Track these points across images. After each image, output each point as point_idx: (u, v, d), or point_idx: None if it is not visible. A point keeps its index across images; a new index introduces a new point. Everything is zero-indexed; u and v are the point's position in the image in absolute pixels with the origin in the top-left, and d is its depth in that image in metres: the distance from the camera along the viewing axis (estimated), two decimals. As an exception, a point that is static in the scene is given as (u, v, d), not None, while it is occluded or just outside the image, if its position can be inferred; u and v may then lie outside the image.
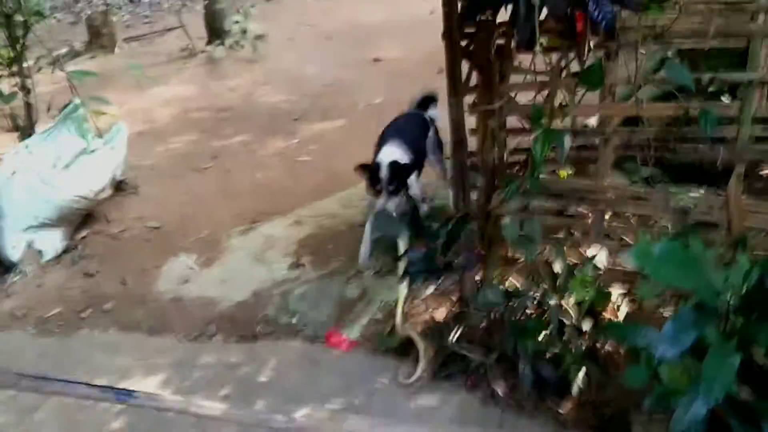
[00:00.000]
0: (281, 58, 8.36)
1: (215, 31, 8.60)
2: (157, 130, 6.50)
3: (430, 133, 4.48)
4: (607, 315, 3.30)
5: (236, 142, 6.23)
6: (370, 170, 4.00)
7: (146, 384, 3.26)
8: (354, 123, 6.40)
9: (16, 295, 4.24)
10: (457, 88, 3.07)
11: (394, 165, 3.94)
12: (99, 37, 9.04)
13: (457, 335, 3.20)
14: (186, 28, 8.63)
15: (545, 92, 3.10)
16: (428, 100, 4.76)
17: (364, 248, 4.17)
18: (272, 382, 3.23)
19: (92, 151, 4.84)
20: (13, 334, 3.86)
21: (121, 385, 3.27)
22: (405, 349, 3.37)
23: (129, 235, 4.80)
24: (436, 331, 3.47)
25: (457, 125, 3.12)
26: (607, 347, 3.21)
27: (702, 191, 3.01)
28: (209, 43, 8.62)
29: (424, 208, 4.26)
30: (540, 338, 3.05)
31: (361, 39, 8.88)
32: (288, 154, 5.90)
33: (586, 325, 3.15)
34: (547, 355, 3.02)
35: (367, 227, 4.18)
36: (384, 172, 3.92)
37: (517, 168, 3.31)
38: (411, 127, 4.49)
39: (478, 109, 3.16)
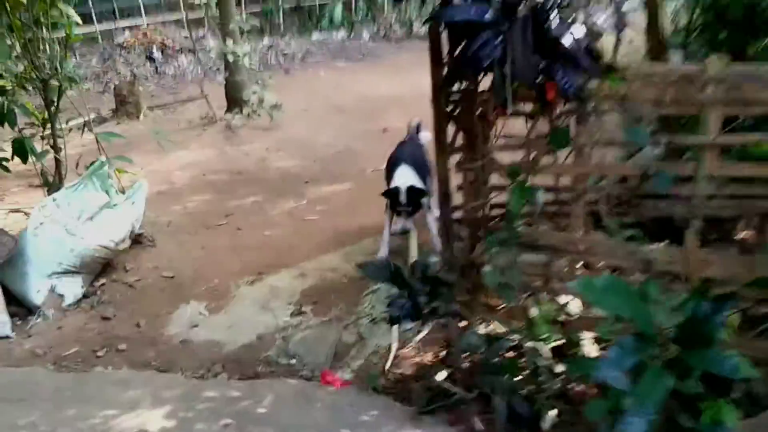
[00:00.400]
0: (295, 127, 8.83)
1: (234, 101, 9.11)
2: (175, 191, 6.90)
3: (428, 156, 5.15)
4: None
5: (249, 202, 6.61)
6: (390, 195, 4.90)
7: (153, 414, 3.53)
8: (361, 186, 6.79)
9: (38, 335, 4.54)
10: (443, 148, 3.42)
11: (410, 189, 4.84)
12: (125, 105, 9.57)
13: (443, 375, 3.46)
14: (208, 98, 9.13)
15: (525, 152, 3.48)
16: (420, 126, 5.76)
17: (383, 248, 5.15)
18: (269, 414, 3.48)
19: (114, 205, 5.21)
20: (33, 370, 4.14)
21: (129, 415, 3.54)
22: (393, 388, 3.66)
23: (144, 283, 5.13)
24: (425, 371, 3.76)
25: (444, 181, 3.46)
26: (580, 387, 3.48)
27: (663, 245, 3.28)
28: (228, 111, 9.11)
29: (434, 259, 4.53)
30: (516, 378, 3.32)
31: (370, 111, 9.35)
32: (296, 214, 6.26)
33: (560, 368, 3.42)
34: (522, 393, 3.29)
35: (385, 233, 5.13)
36: (403, 197, 4.81)
37: (497, 220, 3.63)
38: (417, 152, 5.39)
39: (463, 167, 3.51)
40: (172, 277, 5.20)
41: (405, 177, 4.97)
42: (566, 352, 3.54)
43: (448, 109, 3.44)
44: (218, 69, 10.81)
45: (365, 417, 3.41)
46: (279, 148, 8.15)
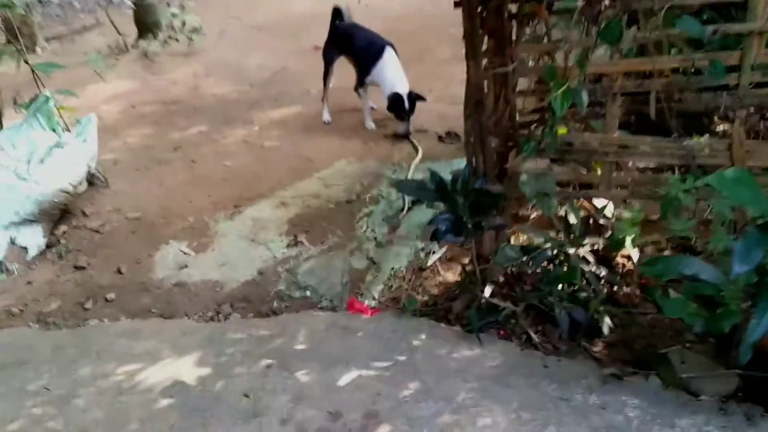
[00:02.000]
0: (218, 51, 8.28)
1: (146, 26, 8.40)
2: (108, 126, 6.29)
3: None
4: (620, 260, 3.53)
5: (194, 132, 6.16)
6: (394, 101, 5.58)
7: (181, 363, 3.23)
8: (311, 108, 6.50)
9: (7, 293, 4.07)
10: (476, 52, 3.19)
11: (411, 95, 5.58)
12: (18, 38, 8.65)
13: (489, 291, 3.33)
14: (115, 25, 8.37)
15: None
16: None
17: (369, 121, 6.00)
18: (311, 350, 3.25)
19: (65, 144, 4.69)
20: (19, 331, 3.72)
21: (155, 368, 3.23)
22: (429, 309, 3.51)
23: (111, 227, 4.69)
24: (454, 290, 3.62)
25: (478, 88, 3.25)
26: (624, 290, 3.44)
27: (706, 137, 3.23)
28: (140, 38, 8.41)
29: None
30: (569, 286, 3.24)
31: (294, 29, 8.88)
32: (252, 142, 5.89)
33: (602, 272, 3.36)
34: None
35: (366, 106, 6.02)
36: (407, 104, 5.55)
37: (531, 128, 3.46)
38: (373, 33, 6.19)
39: (492, 72, 3.31)
40: (138, 218, 4.77)
41: (401, 80, 5.68)
42: (608, 256, 3.49)
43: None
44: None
45: (415, 342, 3.25)
46: (208, 73, 7.62)
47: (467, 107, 3.47)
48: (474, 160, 3.40)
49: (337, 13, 6.36)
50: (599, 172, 3.52)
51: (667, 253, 3.63)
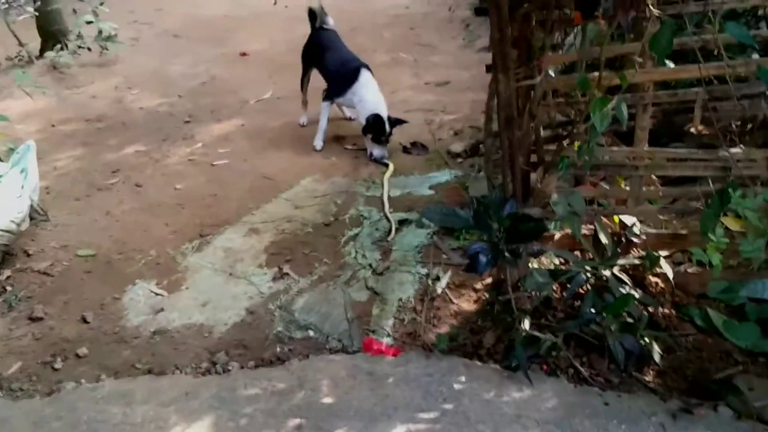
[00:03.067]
0: (136, 60, 7.68)
1: (51, 35, 7.66)
2: (29, 149, 5.68)
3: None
4: (652, 279, 3.37)
5: (130, 152, 5.62)
6: (373, 125, 5.19)
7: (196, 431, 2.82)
8: (253, 120, 6.13)
9: (-46, 354, 3.51)
10: (506, 64, 2.93)
11: (389, 118, 5.25)
12: None
13: (527, 323, 3.08)
14: (15, 34, 7.57)
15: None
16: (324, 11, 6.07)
17: (320, 136, 5.54)
18: (341, 403, 2.90)
19: (0, 176, 4.12)
20: (-21, 402, 3.18)
21: (166, 438, 2.81)
22: (469, 344, 3.23)
23: (61, 267, 4.13)
24: (492, 317, 3.35)
25: (508, 102, 2.99)
26: (662, 311, 3.28)
27: (741, 148, 3.09)
28: (45, 48, 7.66)
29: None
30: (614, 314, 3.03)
31: (213, 35, 8.43)
32: (199, 161, 5.43)
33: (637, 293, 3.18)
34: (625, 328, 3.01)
35: (323, 122, 5.56)
36: (387, 127, 5.21)
37: (561, 143, 3.24)
38: (343, 47, 5.87)
39: (517, 84, 3.06)
40: (93, 255, 4.24)
41: (380, 102, 5.34)
42: (640, 276, 3.32)
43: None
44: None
45: (456, 385, 2.96)
46: (130, 85, 7.02)
47: (488, 122, 3.24)
48: (503, 180, 3.14)
49: (311, 14, 5.98)
50: (623, 186, 3.36)
51: (690, 269, 3.49)
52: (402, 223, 4.30)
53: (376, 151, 5.25)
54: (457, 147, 5.21)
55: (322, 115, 5.58)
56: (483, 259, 2.89)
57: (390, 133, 5.26)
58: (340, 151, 5.42)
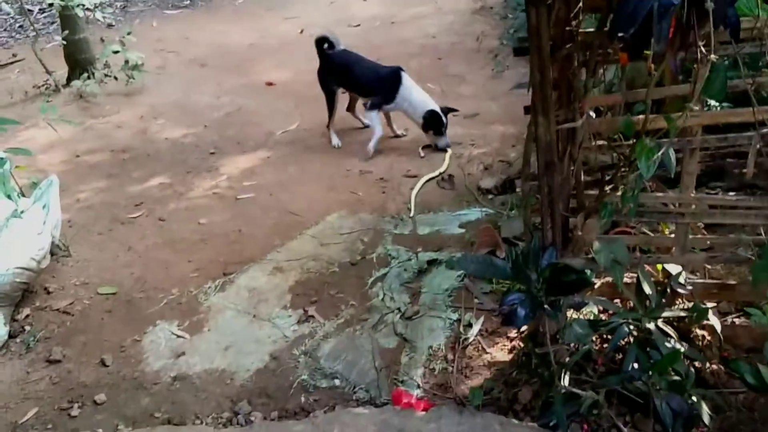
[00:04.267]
0: (162, 89, 7.62)
1: (79, 63, 7.65)
2: (52, 180, 5.62)
3: None
4: (699, 332, 3.19)
5: (155, 185, 5.53)
6: (432, 118, 5.63)
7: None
8: (280, 152, 5.98)
9: (-33, 400, 3.41)
10: (546, 106, 2.78)
11: (442, 109, 5.69)
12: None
13: (567, 380, 2.91)
14: (43, 62, 7.56)
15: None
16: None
17: (374, 143, 5.79)
18: (369, 461, 2.76)
19: (22, 212, 4.03)
20: (-7, 453, 3.07)
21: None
22: (504, 399, 3.06)
23: (81, 306, 4.04)
24: (528, 370, 3.18)
25: (548, 147, 2.84)
26: (711, 366, 3.09)
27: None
28: (72, 77, 7.64)
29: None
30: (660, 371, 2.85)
31: (239, 64, 8.34)
32: (223, 194, 5.32)
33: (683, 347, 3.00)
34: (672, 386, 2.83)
35: (378, 130, 5.83)
36: (444, 118, 5.66)
37: (603, 189, 3.08)
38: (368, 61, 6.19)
39: (557, 127, 2.91)
40: (114, 293, 4.14)
41: (428, 97, 5.77)
42: (685, 329, 3.14)
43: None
44: (34, 27, 8.95)
45: (494, 444, 2.80)
46: (156, 115, 6.96)
47: (525, 166, 3.08)
48: (542, 227, 2.98)
49: (322, 42, 6.08)
50: (666, 233, 3.19)
51: (738, 320, 3.31)
52: (431, 263, 4.14)
53: (441, 142, 5.73)
54: (488, 183, 5.04)
55: (374, 123, 5.86)
56: (521, 312, 2.72)
57: (447, 122, 5.70)
58: (364, 185, 5.28)
